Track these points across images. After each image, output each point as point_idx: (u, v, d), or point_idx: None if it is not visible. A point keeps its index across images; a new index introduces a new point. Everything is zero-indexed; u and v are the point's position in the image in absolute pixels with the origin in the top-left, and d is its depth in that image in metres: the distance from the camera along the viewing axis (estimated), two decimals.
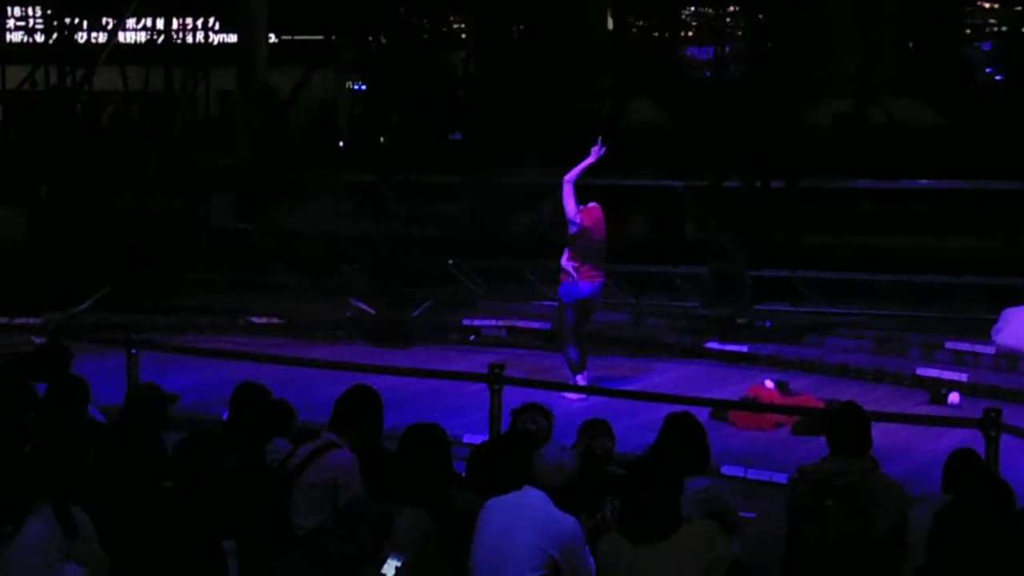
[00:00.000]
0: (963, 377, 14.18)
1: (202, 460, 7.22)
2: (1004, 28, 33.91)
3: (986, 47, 34.88)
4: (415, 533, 7.01)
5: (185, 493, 7.07)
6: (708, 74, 25.09)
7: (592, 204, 13.76)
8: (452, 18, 33.30)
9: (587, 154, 13.64)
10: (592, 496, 7.85)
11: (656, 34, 32.23)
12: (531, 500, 6.99)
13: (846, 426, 7.71)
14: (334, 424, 7.85)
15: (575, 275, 13.76)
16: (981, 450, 8.92)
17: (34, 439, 7.27)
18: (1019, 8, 32.62)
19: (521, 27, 26.53)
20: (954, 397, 13.69)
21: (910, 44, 24.08)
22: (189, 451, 7.20)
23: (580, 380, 13.85)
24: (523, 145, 19.82)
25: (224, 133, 22.87)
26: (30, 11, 29.44)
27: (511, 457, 7.38)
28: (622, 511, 6.76)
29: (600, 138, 13.72)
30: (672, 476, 6.72)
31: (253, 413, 8.30)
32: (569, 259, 13.76)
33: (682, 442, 7.69)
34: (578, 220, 13.59)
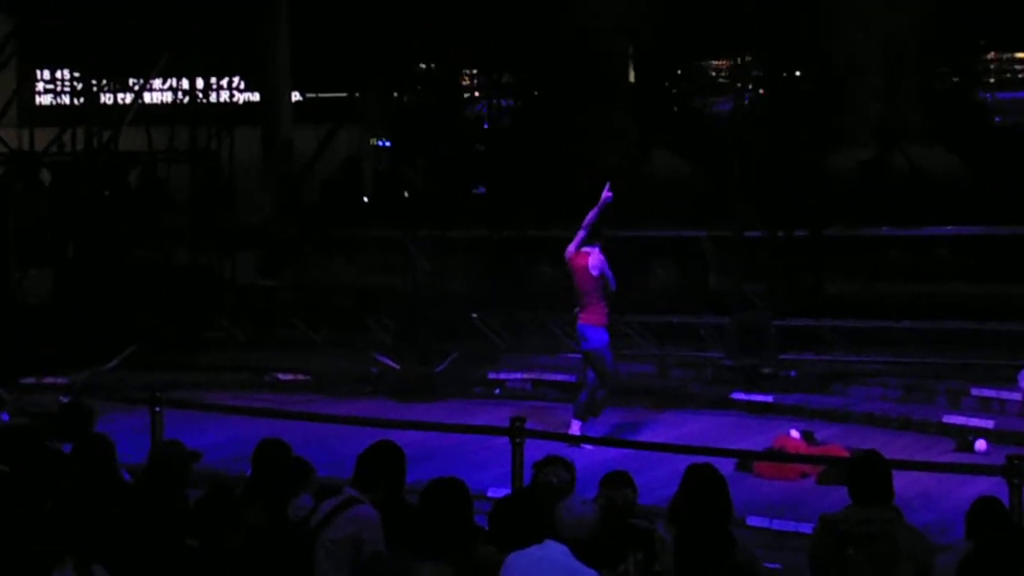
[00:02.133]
0: (990, 424, 14.11)
1: (224, 517, 7.24)
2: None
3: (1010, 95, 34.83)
4: None
5: (207, 550, 7.09)
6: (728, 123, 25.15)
7: (589, 252, 13.98)
8: (474, 72, 33.47)
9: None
10: (614, 549, 7.84)
11: (678, 86, 32.28)
12: (552, 553, 6.99)
13: (867, 475, 7.68)
14: (356, 479, 7.87)
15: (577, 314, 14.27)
16: (1006, 498, 8.88)
17: (57, 497, 7.31)
18: None
19: (545, 81, 26.64)
20: (981, 444, 13.62)
21: (932, 91, 24.11)
22: (210, 508, 7.23)
23: (574, 424, 13.97)
24: (546, 198, 19.91)
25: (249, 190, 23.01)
26: (59, 74, 29.75)
27: (532, 510, 7.38)
28: None
29: (608, 183, 13.96)
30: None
31: (275, 470, 8.32)
32: None
33: (702, 494, 7.67)
34: (567, 259, 14.12)
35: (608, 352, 14.16)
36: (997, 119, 29.52)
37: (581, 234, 14.02)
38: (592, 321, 14.06)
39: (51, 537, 6.32)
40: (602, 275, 13.96)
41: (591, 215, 13.99)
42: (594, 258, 13.96)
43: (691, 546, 6.56)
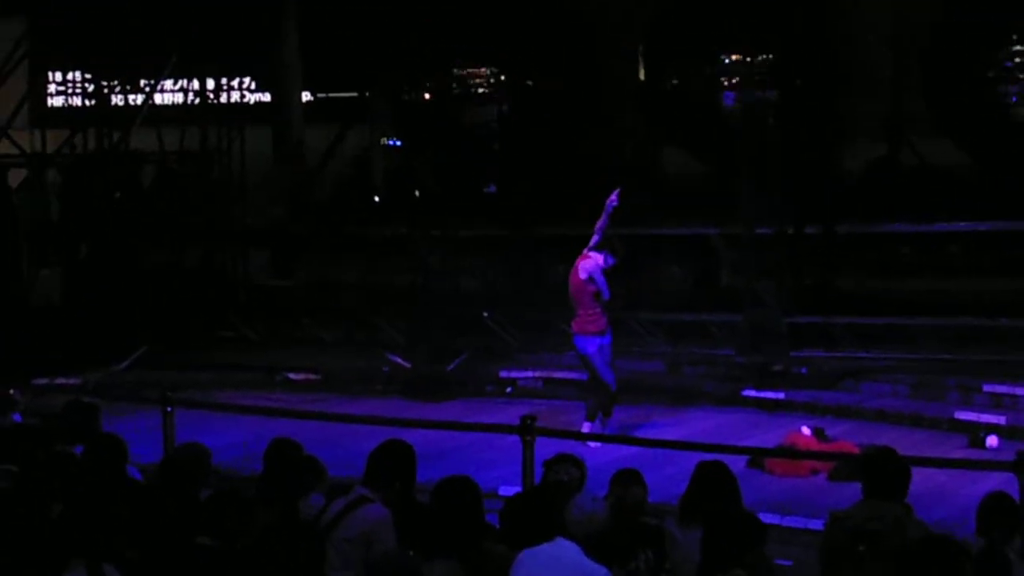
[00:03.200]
0: (1001, 420, 14.10)
1: (235, 517, 7.26)
2: None
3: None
4: None
5: (219, 549, 7.10)
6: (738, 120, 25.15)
7: (591, 252, 13.99)
8: (485, 71, 33.50)
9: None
10: (625, 546, 7.86)
11: (688, 83, 32.25)
12: (563, 551, 7.01)
13: (881, 471, 7.69)
14: (367, 478, 7.90)
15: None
16: (1016, 494, 8.88)
17: (68, 498, 7.34)
18: None
19: (555, 79, 26.65)
20: (992, 440, 13.61)
21: (941, 85, 24.08)
22: (221, 507, 7.25)
23: (585, 426, 14.03)
24: (557, 196, 19.93)
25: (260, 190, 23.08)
26: (70, 76, 29.78)
27: (543, 508, 7.40)
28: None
29: (618, 191, 13.85)
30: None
31: (286, 469, 8.35)
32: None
33: (712, 490, 7.69)
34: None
35: (598, 358, 14.00)
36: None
37: (594, 239, 13.94)
38: (578, 328, 14.02)
39: (61, 538, 6.34)
40: (590, 279, 13.82)
41: (601, 221, 13.91)
42: (588, 262, 13.87)
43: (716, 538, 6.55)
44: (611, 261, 13.88)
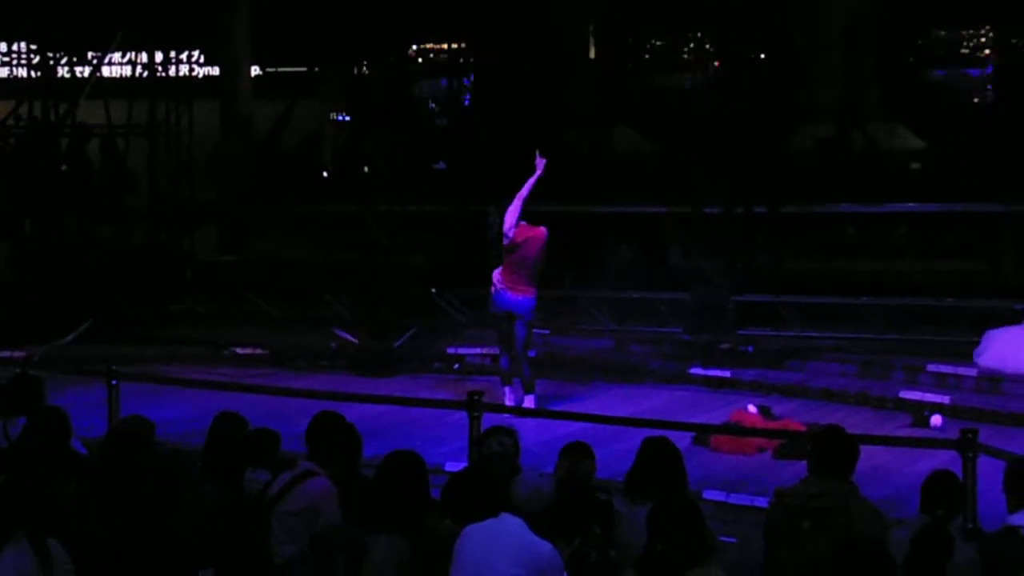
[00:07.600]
0: (945, 399, 14.19)
1: (180, 490, 7.24)
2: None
3: (976, 73, 35.14)
4: (393, 560, 7.04)
5: (163, 523, 7.08)
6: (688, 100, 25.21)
7: (540, 228, 13.96)
8: (436, 47, 33.46)
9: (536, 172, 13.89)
10: (571, 522, 7.85)
11: (634, 61, 32.33)
12: (508, 527, 7.01)
13: (827, 449, 7.73)
14: (312, 453, 7.89)
15: (499, 285, 13.98)
16: (960, 472, 8.95)
17: (10, 470, 7.29)
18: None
19: (506, 56, 26.64)
20: (936, 419, 13.70)
21: (893, 69, 24.23)
22: (166, 481, 7.23)
23: (508, 393, 13.96)
24: (506, 173, 19.88)
25: (208, 165, 22.93)
26: (15, 46, 29.53)
27: (487, 484, 7.40)
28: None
29: (538, 151, 13.84)
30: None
31: (231, 443, 8.30)
32: (499, 271, 13.99)
33: (658, 466, 7.71)
34: (511, 233, 13.83)
35: None
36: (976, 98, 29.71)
37: (518, 206, 13.91)
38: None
39: (4, 510, 6.29)
40: None
41: (527, 187, 13.91)
42: (542, 231, 13.97)
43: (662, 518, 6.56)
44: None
